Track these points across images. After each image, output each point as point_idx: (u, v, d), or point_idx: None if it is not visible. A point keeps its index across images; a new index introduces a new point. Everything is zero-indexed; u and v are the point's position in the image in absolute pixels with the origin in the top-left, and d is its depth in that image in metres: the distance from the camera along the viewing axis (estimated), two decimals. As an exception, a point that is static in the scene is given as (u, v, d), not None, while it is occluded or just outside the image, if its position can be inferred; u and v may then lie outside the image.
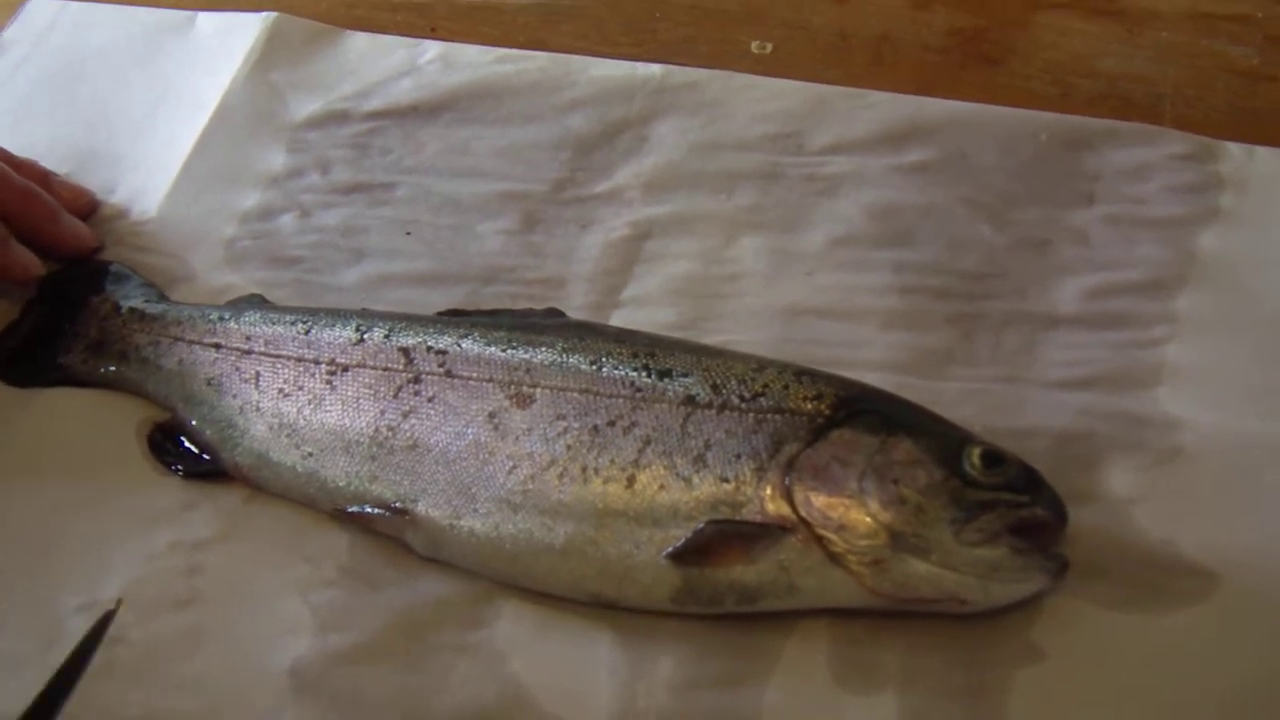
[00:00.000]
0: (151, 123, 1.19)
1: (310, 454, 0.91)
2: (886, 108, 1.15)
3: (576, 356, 0.90)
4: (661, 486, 0.84)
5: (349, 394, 0.92)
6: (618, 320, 1.01)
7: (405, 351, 0.93)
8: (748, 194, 1.10)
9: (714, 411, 0.86)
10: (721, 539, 0.82)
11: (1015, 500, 0.83)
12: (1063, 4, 1.25)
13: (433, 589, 0.88)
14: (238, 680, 0.85)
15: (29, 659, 0.86)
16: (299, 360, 0.94)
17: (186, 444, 0.96)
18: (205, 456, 0.95)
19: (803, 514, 0.82)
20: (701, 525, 0.82)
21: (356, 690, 0.84)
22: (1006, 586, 0.82)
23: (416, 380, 0.91)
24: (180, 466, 0.95)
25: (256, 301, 1.02)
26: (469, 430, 0.88)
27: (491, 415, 0.88)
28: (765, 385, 0.87)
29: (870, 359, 0.98)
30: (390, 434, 0.90)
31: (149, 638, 0.87)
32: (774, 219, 1.08)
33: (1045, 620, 0.85)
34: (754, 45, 1.23)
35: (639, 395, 0.87)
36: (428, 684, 0.84)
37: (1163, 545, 0.88)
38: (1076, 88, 1.18)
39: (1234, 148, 1.11)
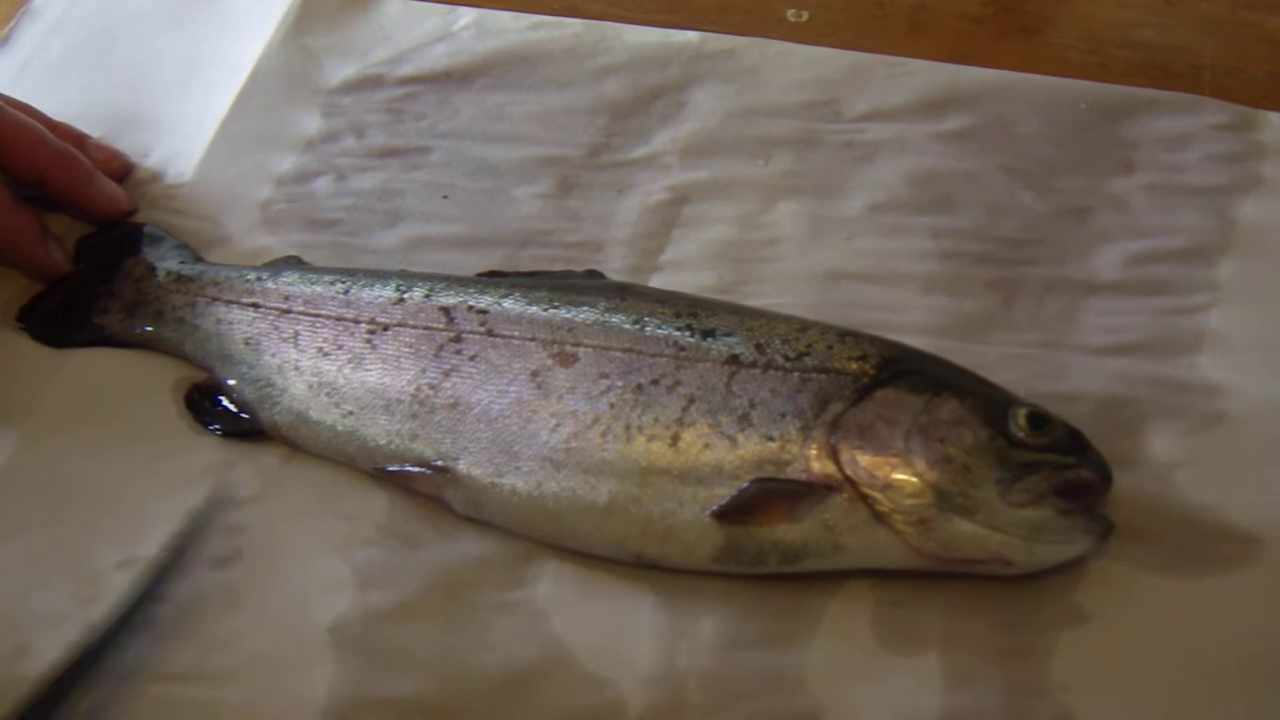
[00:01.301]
0: (185, 87, 1.18)
1: (350, 412, 0.91)
2: (925, 75, 1.15)
3: (619, 316, 0.89)
4: (706, 445, 0.84)
5: (389, 353, 0.92)
6: (656, 283, 1.01)
7: (446, 311, 0.92)
8: (785, 160, 1.10)
9: (758, 370, 0.85)
10: (766, 497, 0.82)
11: (1061, 461, 0.83)
12: (1100, -26, 1.24)
13: (473, 548, 0.88)
14: (277, 638, 0.85)
15: (69, 615, 0.85)
16: (339, 319, 0.94)
17: (224, 403, 0.95)
18: (243, 415, 0.94)
19: (848, 473, 0.81)
20: (746, 484, 0.82)
21: (396, 648, 0.84)
22: (1052, 548, 0.82)
23: (458, 339, 0.91)
24: (218, 425, 0.95)
25: (294, 263, 1.02)
26: (511, 388, 0.88)
27: (534, 374, 0.88)
28: (809, 345, 0.87)
29: (910, 323, 0.97)
30: (431, 392, 0.89)
31: (188, 595, 0.87)
32: (812, 184, 1.08)
33: (1088, 583, 0.85)
34: (790, 13, 1.22)
35: (682, 354, 0.87)
36: (468, 642, 0.84)
37: (1206, 510, 0.88)
38: (1115, 58, 1.18)
39: (1274, 117, 1.10)
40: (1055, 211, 1.05)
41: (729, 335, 0.87)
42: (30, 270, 1.04)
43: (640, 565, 0.85)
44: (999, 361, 0.95)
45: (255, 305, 0.97)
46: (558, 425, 0.86)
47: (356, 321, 0.94)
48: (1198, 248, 1.03)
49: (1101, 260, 1.02)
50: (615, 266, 1.02)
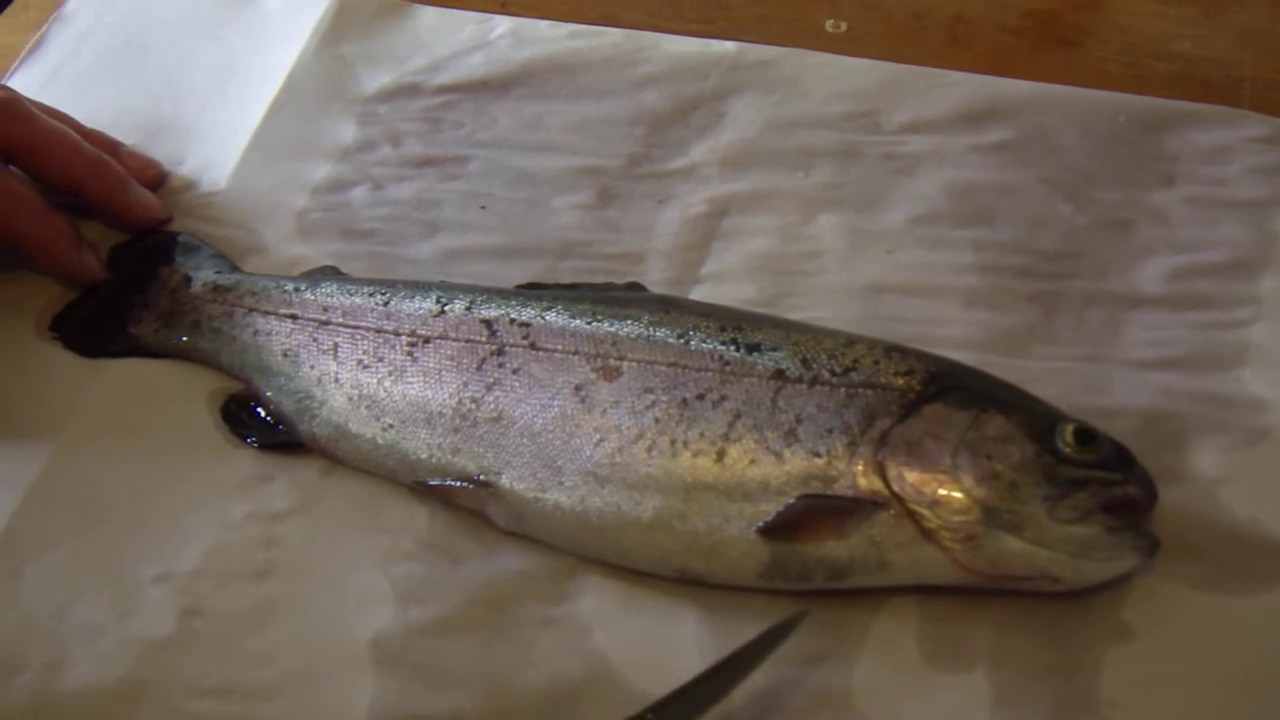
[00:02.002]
0: (219, 95, 1.18)
1: (391, 426, 0.90)
2: (964, 87, 1.14)
3: (663, 329, 0.89)
4: (752, 460, 0.83)
5: (431, 366, 0.91)
6: (697, 295, 1.00)
7: (488, 324, 0.92)
8: (825, 171, 1.09)
9: (804, 386, 0.85)
10: (813, 514, 0.81)
11: (1108, 478, 0.82)
12: (1138, -14, 1.24)
13: (514, 563, 0.87)
14: (316, 652, 0.84)
15: (106, 629, 0.85)
16: (379, 331, 0.94)
17: (262, 414, 0.95)
18: (280, 428, 0.94)
19: (895, 489, 0.81)
20: (793, 500, 0.82)
21: (439, 663, 0.83)
22: (1099, 565, 0.81)
23: (500, 352, 0.90)
24: (255, 438, 0.94)
25: (331, 273, 1.01)
26: (555, 402, 0.87)
27: (578, 388, 0.87)
28: (856, 360, 0.86)
29: (952, 337, 0.97)
30: (474, 406, 0.89)
31: (226, 609, 0.86)
32: (852, 197, 1.07)
33: (1135, 600, 0.84)
34: (828, 24, 1.22)
35: (728, 369, 0.86)
36: (512, 657, 0.83)
37: (1251, 525, 0.87)
38: (1153, 70, 1.17)
39: (1315, 131, 1.10)
40: (1095, 224, 1.05)
41: (774, 350, 0.87)
42: (64, 277, 1.03)
43: (684, 581, 0.85)
44: (1041, 376, 0.94)
45: (294, 316, 0.96)
46: (602, 440, 0.86)
47: (397, 334, 0.93)
48: (1239, 261, 1.02)
49: (1143, 274, 1.02)
50: (656, 278, 1.02)
